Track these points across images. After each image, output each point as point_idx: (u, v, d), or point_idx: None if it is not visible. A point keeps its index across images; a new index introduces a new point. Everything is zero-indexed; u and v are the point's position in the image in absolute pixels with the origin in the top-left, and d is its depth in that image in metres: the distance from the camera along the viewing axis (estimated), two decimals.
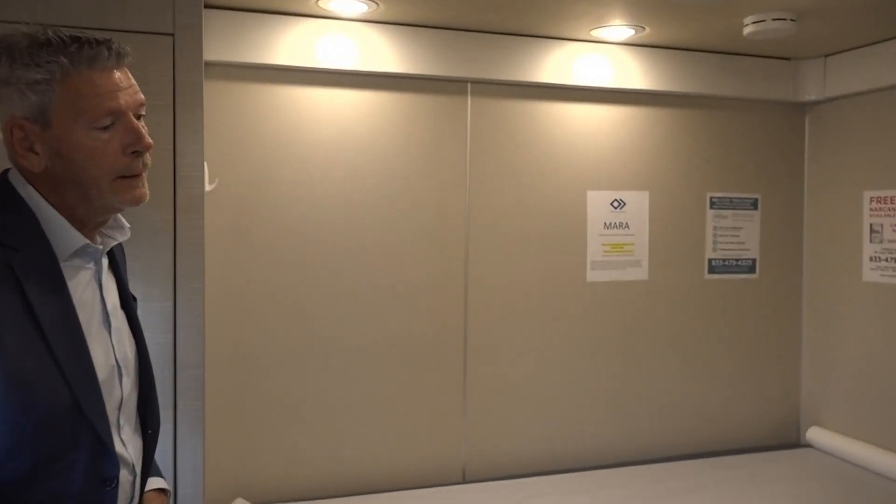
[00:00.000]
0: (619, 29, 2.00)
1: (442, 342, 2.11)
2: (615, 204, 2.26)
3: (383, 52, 1.98)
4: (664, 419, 2.33)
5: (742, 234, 2.39)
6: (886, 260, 2.18)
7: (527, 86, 2.15)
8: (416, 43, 2.00)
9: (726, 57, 2.28)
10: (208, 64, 1.75)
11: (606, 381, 2.26)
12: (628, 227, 2.27)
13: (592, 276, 2.24)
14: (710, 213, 2.36)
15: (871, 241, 2.23)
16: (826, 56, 2.31)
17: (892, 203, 2.16)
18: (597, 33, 2.05)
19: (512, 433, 2.17)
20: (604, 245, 2.25)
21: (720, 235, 2.37)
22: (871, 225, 2.23)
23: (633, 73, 2.19)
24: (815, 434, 2.36)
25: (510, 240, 2.16)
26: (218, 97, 1.89)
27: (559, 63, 2.12)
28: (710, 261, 2.36)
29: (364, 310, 2.04)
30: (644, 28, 1.99)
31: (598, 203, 2.24)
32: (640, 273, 2.29)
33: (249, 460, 1.96)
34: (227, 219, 1.92)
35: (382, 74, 2.01)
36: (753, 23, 1.85)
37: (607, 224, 2.25)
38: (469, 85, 2.11)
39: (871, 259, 2.23)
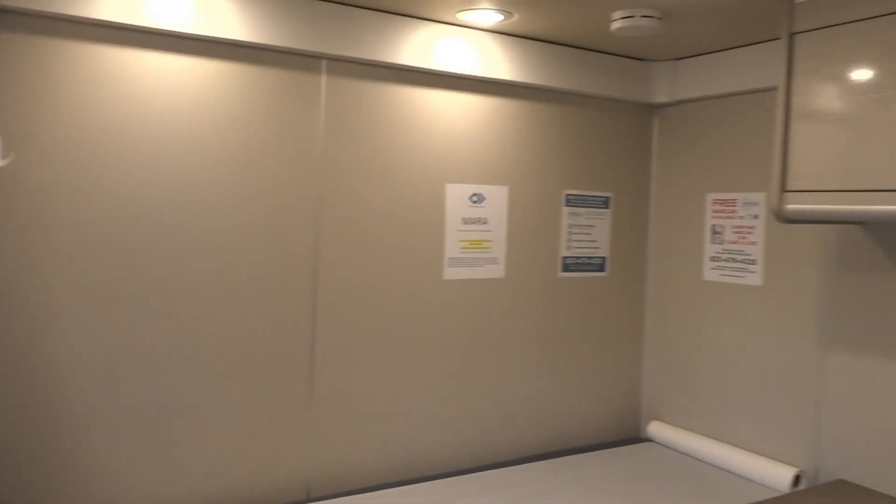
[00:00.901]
0: (486, 13, 1.89)
1: (286, 344, 1.90)
2: (474, 198, 2.16)
3: (225, 16, 1.72)
4: (517, 420, 2.28)
5: (594, 233, 2.40)
6: (726, 260, 2.27)
7: (387, 67, 1.98)
8: (264, 9, 1.77)
9: (587, 53, 2.26)
10: (4, 11, 1.41)
11: (461, 384, 2.17)
12: (487, 222, 2.18)
13: (450, 273, 2.13)
14: (565, 210, 2.33)
15: (712, 242, 2.31)
16: (677, 59, 2.36)
17: (732, 205, 2.25)
18: (463, 16, 1.93)
19: (362, 442, 2.02)
20: (462, 241, 2.14)
21: (574, 234, 2.36)
22: (712, 226, 2.31)
23: (497, 62, 2.10)
24: (655, 428, 2.43)
25: (365, 233, 1.99)
26: (17, 53, 1.54)
27: (422, 45, 1.98)
28: (563, 259, 2.34)
29: (196, 309, 1.78)
30: (512, 14, 1.90)
31: (457, 197, 2.13)
32: (498, 271, 2.21)
33: (47, 475, 1.64)
34: (25, 202, 1.58)
35: (224, 41, 1.75)
36: (622, 18, 1.82)
37: (466, 219, 2.15)
38: (324, 62, 1.91)
39: (711, 259, 2.32)
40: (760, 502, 1.75)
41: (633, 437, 2.53)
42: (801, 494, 1.82)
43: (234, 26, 1.74)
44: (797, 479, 2.00)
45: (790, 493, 1.89)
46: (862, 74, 1.56)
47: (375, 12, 1.91)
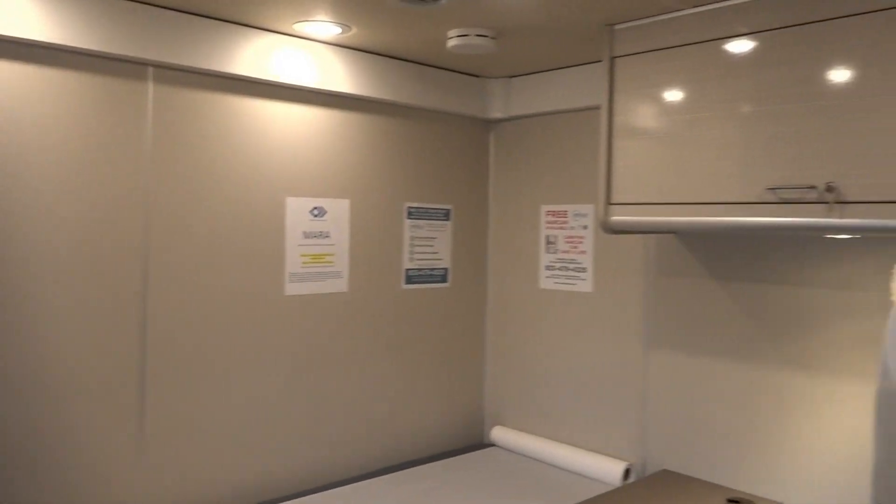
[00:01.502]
0: (324, 25, 1.87)
1: (112, 369, 1.76)
2: (315, 212, 2.12)
3: (36, 17, 1.58)
4: (363, 435, 2.26)
5: (436, 245, 2.44)
6: (559, 268, 2.39)
7: (221, 77, 1.91)
8: (80, 11, 1.64)
9: (426, 68, 2.30)
10: None
11: (306, 402, 2.12)
12: (329, 236, 2.15)
13: (291, 288, 2.08)
14: (407, 222, 2.35)
15: (546, 252, 2.43)
16: (510, 77, 2.46)
17: (564, 216, 2.37)
18: (300, 27, 1.89)
19: (201, 468, 1.91)
20: (303, 255, 2.10)
21: (416, 245, 2.38)
22: (546, 236, 2.43)
23: (337, 74, 2.09)
24: (498, 433, 2.50)
25: (199, 248, 1.89)
26: None
27: (258, 55, 1.92)
28: (406, 271, 2.36)
29: (8, 331, 1.61)
30: (350, 28, 1.89)
31: (297, 210, 2.08)
32: (341, 285, 2.19)
33: None
34: None
35: (35, 44, 1.61)
36: (457, 36, 1.87)
37: (307, 233, 2.11)
38: (150, 69, 1.80)
39: (546, 267, 2.43)
40: (593, 497, 1.85)
41: (478, 443, 2.59)
42: (630, 486, 1.95)
43: (46, 29, 1.59)
44: (627, 473, 2.13)
45: (621, 486, 2.01)
46: (675, 96, 1.70)
47: (207, 19, 1.83)
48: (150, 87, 1.80)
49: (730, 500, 1.85)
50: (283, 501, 1.98)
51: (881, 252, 1.71)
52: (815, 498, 1.80)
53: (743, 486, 1.93)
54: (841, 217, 1.44)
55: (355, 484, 2.11)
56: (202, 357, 1.91)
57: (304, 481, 2.12)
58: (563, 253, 2.38)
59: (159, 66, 1.81)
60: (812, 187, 1.48)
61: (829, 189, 1.45)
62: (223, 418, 1.95)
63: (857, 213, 1.43)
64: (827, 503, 1.78)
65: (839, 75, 1.45)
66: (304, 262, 2.10)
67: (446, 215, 2.46)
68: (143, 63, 1.78)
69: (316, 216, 2.12)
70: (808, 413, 1.82)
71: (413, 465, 2.29)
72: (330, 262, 2.16)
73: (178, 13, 1.78)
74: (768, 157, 1.55)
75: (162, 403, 1.84)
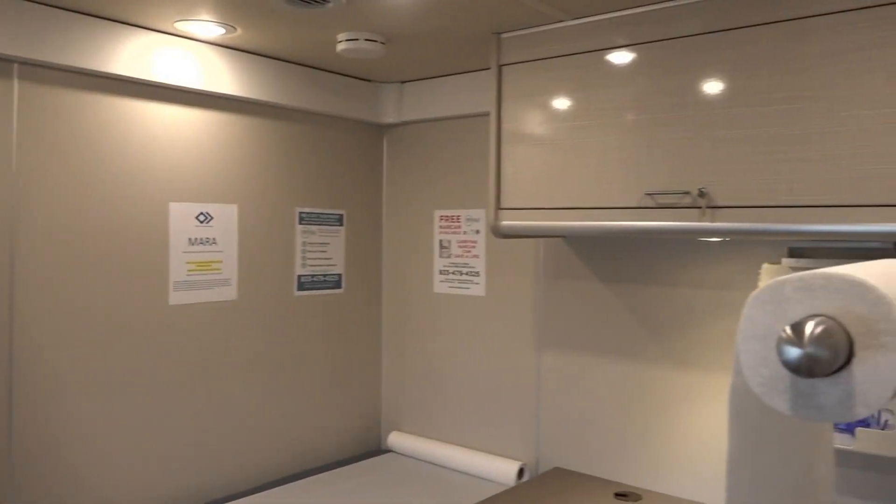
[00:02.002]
0: (207, 25, 1.81)
1: None
2: (201, 217, 2.05)
3: None
4: (256, 446, 2.20)
5: (329, 250, 2.40)
6: (453, 273, 2.41)
7: (96, 76, 1.81)
8: None
9: (316, 72, 2.26)
10: None
11: (196, 414, 2.04)
12: (216, 242, 2.08)
13: (176, 297, 2.00)
14: (298, 228, 2.31)
15: (440, 256, 2.44)
16: (403, 82, 2.46)
17: (457, 221, 2.40)
18: (182, 27, 1.82)
19: (75, 491, 1.80)
20: (188, 263, 2.02)
21: (308, 251, 2.34)
22: (440, 241, 2.44)
23: (222, 75, 2.02)
24: (395, 439, 2.50)
25: (71, 259, 1.79)
26: None
27: (137, 54, 1.84)
28: (299, 277, 2.32)
29: None
30: (235, 28, 1.84)
31: (181, 216, 2.00)
32: (230, 293, 2.12)
33: None
34: None
35: None
36: (347, 40, 1.85)
37: (192, 240, 2.03)
38: (16, 66, 1.68)
39: (440, 272, 2.44)
40: (488, 498, 1.87)
41: (375, 449, 2.58)
42: (524, 486, 1.99)
43: None
44: (521, 472, 2.18)
45: (515, 485, 2.05)
46: (560, 104, 1.75)
47: (81, 15, 1.73)
48: (15, 84, 1.68)
49: (617, 495, 1.92)
50: None
51: (749, 254, 1.82)
52: (698, 488, 1.89)
53: (631, 481, 2.01)
54: (712, 221, 1.53)
55: (250, 497, 2.05)
56: (76, 372, 1.80)
57: (194, 498, 2.04)
58: (456, 257, 2.40)
59: (26, 63, 1.69)
60: (686, 193, 1.56)
61: (701, 194, 1.53)
62: (102, 435, 1.85)
63: (726, 217, 1.51)
64: (709, 492, 1.87)
65: (707, 87, 1.53)
66: (189, 270, 2.02)
67: (339, 220, 2.44)
68: (7, 59, 1.66)
69: (202, 222, 2.05)
70: (688, 407, 1.91)
71: (309, 475, 2.24)
72: (218, 269, 2.09)
73: (49, 7, 1.68)
74: (647, 164, 1.62)
75: (31, 422, 1.72)
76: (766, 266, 1.69)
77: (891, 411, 1.55)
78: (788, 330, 0.50)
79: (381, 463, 2.37)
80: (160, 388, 1.97)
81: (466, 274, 2.37)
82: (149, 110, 1.92)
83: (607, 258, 2.05)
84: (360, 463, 2.37)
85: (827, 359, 0.48)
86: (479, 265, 2.34)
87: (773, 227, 1.46)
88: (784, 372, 0.52)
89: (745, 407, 0.57)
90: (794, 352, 0.49)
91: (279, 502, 2.01)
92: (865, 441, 1.58)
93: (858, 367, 0.49)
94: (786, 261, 1.67)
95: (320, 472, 2.27)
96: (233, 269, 2.13)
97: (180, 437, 2.01)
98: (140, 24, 1.82)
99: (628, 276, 2.01)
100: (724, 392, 1.84)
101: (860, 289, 0.49)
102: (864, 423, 1.58)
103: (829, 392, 0.50)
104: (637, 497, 1.90)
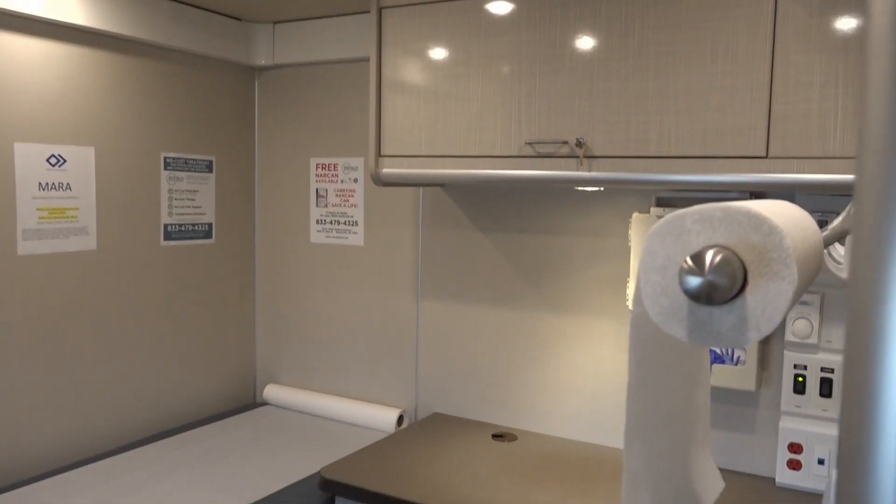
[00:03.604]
0: None
1: None
2: (53, 160, 1.87)
3: None
4: (122, 404, 2.08)
5: (198, 198, 2.28)
6: (330, 223, 2.36)
7: None
8: None
9: (181, 6, 2.10)
10: None
11: (54, 371, 1.90)
12: (70, 188, 1.92)
13: (25, 247, 1.83)
14: (164, 174, 2.17)
15: (317, 205, 2.38)
16: (275, 23, 2.34)
17: (334, 169, 2.34)
18: None
19: None
20: (39, 210, 1.85)
21: (175, 199, 2.21)
22: (317, 190, 2.38)
23: (70, 3, 1.83)
24: (271, 391, 2.44)
25: None
26: None
27: None
28: (165, 226, 2.18)
29: None
30: None
31: (30, 158, 1.82)
32: (88, 242, 1.97)
33: None
34: None
35: None
36: None
37: (43, 185, 1.86)
38: None
39: (317, 222, 2.39)
40: (368, 445, 1.88)
41: (250, 403, 2.52)
42: (403, 431, 2.01)
43: None
44: (401, 419, 2.20)
45: (395, 431, 2.07)
46: (440, 52, 1.73)
47: None
48: None
49: (495, 436, 1.98)
50: (37, 481, 1.76)
51: (620, 203, 1.90)
52: (571, 428, 1.99)
53: (507, 423, 2.08)
54: (589, 170, 1.58)
55: (119, 455, 1.94)
56: None
57: (61, 458, 1.91)
58: (333, 206, 2.35)
59: None
60: (564, 142, 1.60)
61: (579, 144, 1.58)
62: None
63: (601, 167, 1.57)
64: (581, 431, 1.98)
65: (585, 39, 1.56)
66: (41, 218, 1.85)
67: (209, 167, 2.31)
68: None
69: (54, 165, 1.88)
70: (563, 351, 1.99)
71: (182, 431, 2.15)
72: (73, 217, 1.93)
73: None
74: (526, 114, 1.64)
75: None
76: (635, 215, 1.77)
77: (744, 349, 1.69)
78: (689, 260, 0.52)
79: (256, 416, 2.32)
80: (13, 345, 1.81)
81: (344, 223, 2.33)
82: None
83: (487, 208, 2.08)
84: (234, 417, 2.30)
85: (725, 286, 0.50)
86: (358, 214, 2.30)
87: (643, 177, 1.53)
88: (682, 301, 0.54)
89: (644, 336, 0.60)
90: (694, 280, 0.51)
91: (150, 458, 1.92)
92: (721, 376, 1.72)
93: (751, 295, 0.52)
94: (654, 210, 1.77)
95: (193, 428, 2.18)
96: (91, 217, 1.97)
97: (39, 395, 1.86)
98: None
99: (507, 226, 2.05)
100: (597, 335, 1.94)
101: (756, 220, 0.52)
102: (720, 359, 1.72)
103: (725, 319, 0.53)
104: (513, 437, 1.97)
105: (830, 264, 0.89)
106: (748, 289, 0.51)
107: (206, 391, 2.35)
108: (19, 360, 1.83)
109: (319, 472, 1.71)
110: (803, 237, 0.57)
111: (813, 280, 0.64)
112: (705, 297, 0.51)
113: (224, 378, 2.42)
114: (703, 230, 0.53)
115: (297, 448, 2.03)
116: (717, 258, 0.51)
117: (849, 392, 0.40)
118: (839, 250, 1.01)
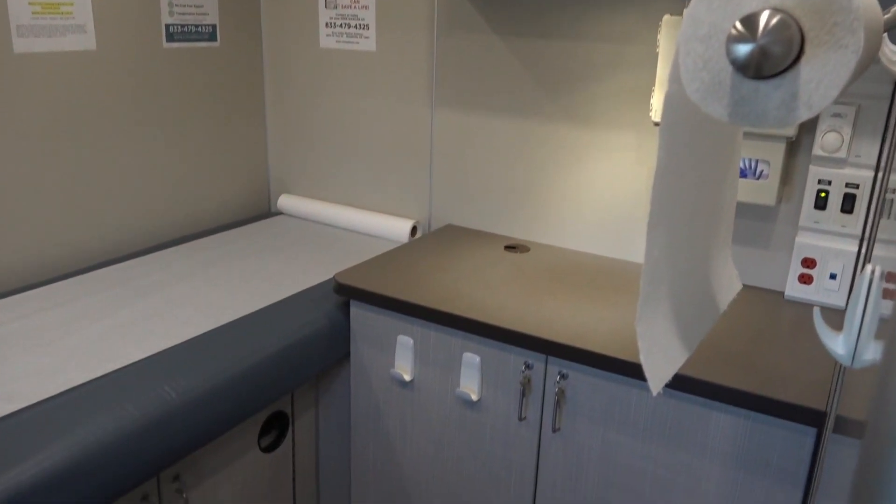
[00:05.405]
0: None
1: None
2: None
3: None
4: (133, 209, 2.09)
5: None
6: (340, 26, 2.23)
7: None
8: None
9: None
10: None
11: (60, 177, 1.88)
12: None
13: (22, 45, 1.74)
14: None
15: (326, 7, 2.24)
16: None
17: None
18: None
19: None
20: (33, 4, 1.74)
21: None
22: None
23: None
24: (285, 201, 2.44)
25: None
26: None
27: None
28: (167, 27, 2.07)
29: None
30: None
31: None
32: (86, 41, 1.87)
33: None
34: None
35: None
36: None
37: None
38: None
39: (326, 25, 2.25)
40: (382, 254, 1.90)
41: (264, 212, 2.53)
42: (417, 241, 2.02)
43: None
44: (414, 230, 2.21)
45: (408, 241, 2.08)
46: None
47: None
48: None
49: (507, 247, 1.99)
50: (57, 281, 1.81)
51: (651, 4, 1.76)
52: (584, 241, 1.99)
53: (520, 235, 2.08)
54: None
55: (133, 259, 1.98)
56: None
57: (73, 262, 1.95)
58: (343, 8, 2.20)
59: None
60: None
61: None
62: None
63: None
64: (595, 244, 1.98)
65: None
66: (34, 12, 1.75)
67: None
68: None
69: None
70: (580, 164, 1.94)
71: (196, 238, 2.18)
72: (69, 12, 1.82)
73: None
74: None
75: None
76: (666, 17, 1.64)
77: (767, 162, 1.64)
78: (739, 24, 0.45)
79: (271, 225, 2.34)
80: (15, 147, 1.78)
81: (355, 27, 2.19)
82: None
83: (505, 10, 1.94)
84: (248, 226, 2.32)
85: (779, 54, 0.44)
86: (369, 17, 2.16)
87: None
88: (726, 76, 0.48)
89: (676, 118, 0.54)
90: (743, 48, 0.45)
91: (165, 262, 1.96)
92: (742, 191, 1.67)
93: (806, 66, 0.46)
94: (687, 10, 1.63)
95: (208, 236, 2.21)
96: (86, 14, 1.86)
97: (46, 200, 1.87)
98: None
99: (527, 30, 1.93)
100: (615, 148, 1.88)
101: None
102: (743, 174, 1.66)
103: (773, 95, 0.47)
104: (525, 249, 1.98)
105: (883, 56, 0.81)
106: (803, 59, 0.45)
107: (219, 200, 2.35)
108: (22, 163, 1.81)
109: (334, 276, 1.74)
110: (869, 5, 0.50)
111: (869, 65, 0.57)
112: (755, 66, 0.45)
113: (237, 187, 2.41)
114: None
115: (313, 255, 2.06)
116: (773, 20, 0.44)
117: None
118: (890, 46, 0.92)
